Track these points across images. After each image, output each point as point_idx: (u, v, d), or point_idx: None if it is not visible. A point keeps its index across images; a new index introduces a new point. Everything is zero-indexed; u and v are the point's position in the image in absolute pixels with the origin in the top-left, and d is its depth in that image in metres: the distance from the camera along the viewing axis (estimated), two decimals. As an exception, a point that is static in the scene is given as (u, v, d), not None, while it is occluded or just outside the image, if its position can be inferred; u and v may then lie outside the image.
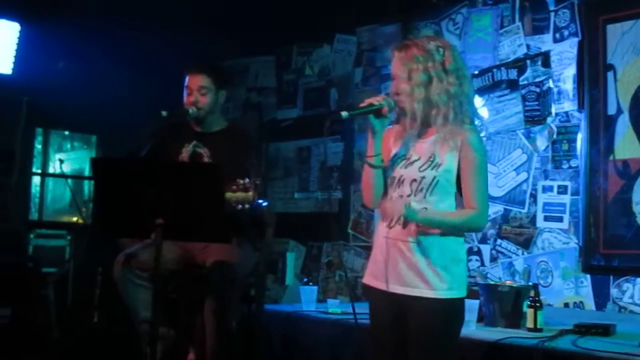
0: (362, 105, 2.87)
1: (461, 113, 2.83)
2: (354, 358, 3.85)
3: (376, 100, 2.87)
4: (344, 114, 2.84)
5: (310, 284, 4.57)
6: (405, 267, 2.84)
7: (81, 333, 4.96)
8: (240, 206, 3.38)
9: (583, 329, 3.52)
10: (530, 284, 3.96)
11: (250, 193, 3.37)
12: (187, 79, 4.13)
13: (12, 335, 5.59)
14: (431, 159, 2.84)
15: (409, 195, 2.84)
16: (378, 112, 2.86)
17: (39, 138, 7.08)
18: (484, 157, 2.86)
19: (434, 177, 2.81)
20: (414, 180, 2.84)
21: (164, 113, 3.88)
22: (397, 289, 2.86)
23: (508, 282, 4.08)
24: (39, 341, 5.44)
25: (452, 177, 2.83)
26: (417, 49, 2.84)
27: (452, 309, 2.84)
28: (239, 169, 3.53)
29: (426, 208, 2.79)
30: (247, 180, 3.37)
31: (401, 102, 2.86)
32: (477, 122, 3.00)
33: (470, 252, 5.25)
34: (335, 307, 4.35)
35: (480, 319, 3.84)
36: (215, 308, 3.85)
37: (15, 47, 5.95)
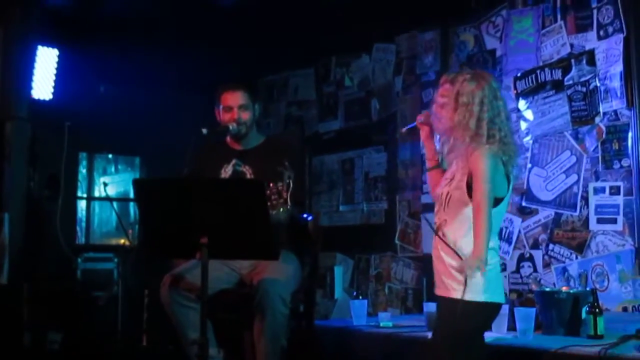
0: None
1: (478, 135, 3.13)
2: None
3: (420, 115, 3.48)
4: (403, 130, 3.77)
5: (360, 297, 4.47)
6: None
7: (131, 356, 4.94)
8: (274, 212, 3.32)
9: (646, 334, 3.39)
10: (588, 289, 3.84)
11: (285, 197, 3.30)
12: (223, 96, 4.11)
13: (65, 359, 5.62)
14: (451, 178, 3.23)
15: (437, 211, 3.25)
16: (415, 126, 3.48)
17: (84, 162, 7.13)
18: (483, 165, 3.07)
19: (448, 193, 3.18)
20: (439, 197, 3.27)
21: (204, 131, 3.87)
22: None
23: (564, 289, 3.95)
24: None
25: (461, 188, 3.13)
26: (448, 82, 3.25)
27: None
28: (273, 175, 3.48)
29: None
30: (279, 184, 3.30)
31: (433, 122, 3.35)
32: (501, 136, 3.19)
33: (522, 258, 5.13)
34: (387, 321, 4.26)
35: (537, 327, 3.72)
36: (266, 327, 3.80)
37: (54, 72, 5.98)
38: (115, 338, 5.45)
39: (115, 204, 6.63)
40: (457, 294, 3.05)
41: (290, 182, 3.43)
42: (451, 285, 3.09)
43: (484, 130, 3.12)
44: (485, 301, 3.05)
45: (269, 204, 3.30)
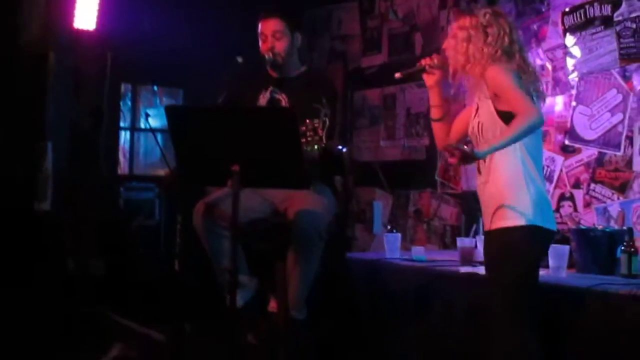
0: (415, 67, 3.38)
1: (491, 59, 3.15)
2: (439, 306, 3.77)
3: (429, 59, 3.35)
4: (397, 75, 3.37)
5: (394, 231, 4.46)
6: None
7: (164, 282, 5.03)
8: (309, 148, 3.30)
9: (681, 275, 3.34)
10: (625, 228, 3.77)
11: (320, 134, 3.28)
12: (260, 24, 4.06)
13: (108, 285, 5.74)
14: (477, 108, 3.23)
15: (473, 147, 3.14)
16: (425, 71, 3.36)
17: (129, 94, 7.17)
18: (503, 76, 3.08)
19: (479, 123, 3.16)
20: (472, 132, 3.26)
21: (239, 59, 3.84)
22: None
23: (600, 227, 3.89)
24: (129, 291, 5.57)
25: (492, 116, 3.11)
26: (468, 14, 3.29)
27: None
28: (310, 111, 3.46)
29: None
30: (315, 120, 3.28)
31: (447, 57, 3.29)
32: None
33: (562, 197, 5.06)
34: (420, 255, 4.25)
35: (571, 265, 3.68)
36: (301, 258, 3.82)
37: (97, 1, 5.95)
38: (153, 264, 5.55)
39: (158, 135, 6.68)
40: (507, 222, 3.05)
41: (327, 119, 3.42)
42: (502, 215, 3.07)
43: (505, 55, 3.17)
44: (533, 225, 3.04)
45: (303, 140, 3.29)
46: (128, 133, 7.15)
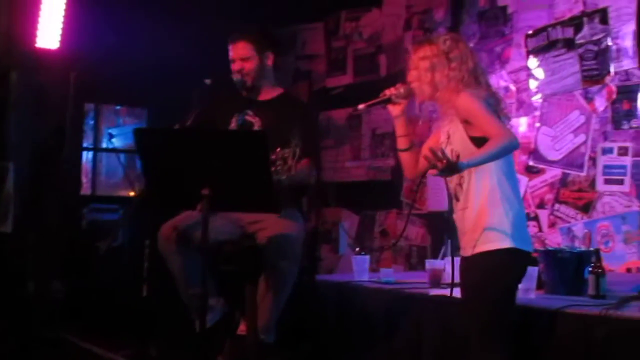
0: (379, 97, 3.29)
1: (460, 84, 3.11)
2: (409, 327, 3.76)
3: (394, 89, 3.25)
4: (360, 107, 3.29)
5: (363, 253, 4.46)
6: None
7: (131, 306, 4.96)
8: (277, 177, 3.29)
9: (648, 295, 3.37)
10: (592, 249, 3.81)
11: (290, 164, 3.28)
12: (229, 48, 4.04)
13: (69, 308, 5.65)
14: (447, 136, 3.17)
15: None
16: (390, 102, 3.27)
17: (91, 113, 7.09)
18: (475, 102, 3.05)
19: (452, 150, 3.06)
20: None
21: (207, 81, 3.82)
22: None
23: (568, 248, 3.92)
24: (93, 314, 5.48)
25: (465, 143, 3.07)
26: (427, 43, 3.21)
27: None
28: (282, 139, 3.45)
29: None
30: (286, 150, 3.28)
31: (414, 89, 3.21)
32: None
33: (527, 217, 5.08)
34: (389, 277, 4.24)
35: (539, 286, 3.69)
36: (274, 282, 3.80)
37: (61, 20, 5.88)
38: (117, 288, 5.47)
39: (122, 155, 6.62)
40: (489, 246, 3.03)
41: (297, 150, 3.40)
42: (484, 239, 3.05)
43: (472, 79, 3.14)
44: (513, 247, 3.02)
45: (272, 168, 3.27)
46: (91, 153, 7.06)
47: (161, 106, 6.50)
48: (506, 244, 3.03)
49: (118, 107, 7.38)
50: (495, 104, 3.15)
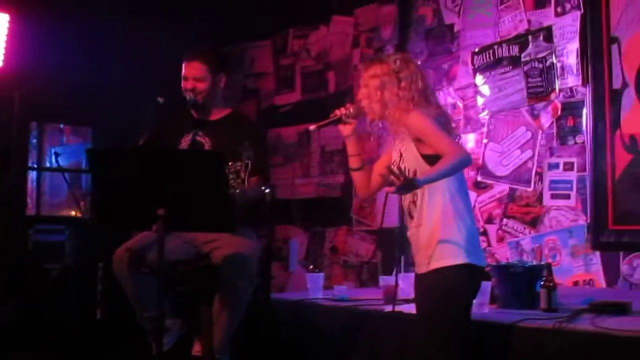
0: (329, 118, 3.32)
1: (410, 104, 3.15)
2: (365, 344, 3.77)
3: (343, 109, 3.29)
4: (311, 128, 3.32)
5: (316, 270, 4.47)
6: None
7: (85, 329, 4.87)
8: (231, 191, 3.29)
9: (599, 308, 3.44)
10: (543, 263, 3.88)
11: (243, 177, 3.28)
12: (183, 66, 4.02)
13: (17, 331, 5.52)
14: (400, 154, 3.21)
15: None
16: (341, 122, 3.31)
17: (34, 132, 6.97)
18: (426, 120, 3.09)
19: (405, 168, 3.07)
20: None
21: (160, 100, 3.79)
22: None
23: (520, 263, 3.99)
24: (44, 337, 5.37)
25: (418, 161, 3.11)
26: (377, 62, 3.25)
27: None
28: (232, 154, 3.45)
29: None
30: (238, 163, 3.28)
31: (364, 107, 3.25)
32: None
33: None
34: (343, 294, 4.26)
35: (492, 301, 3.75)
36: (229, 301, 3.78)
37: (4, 39, 5.79)
38: (68, 311, 5.37)
39: (66, 174, 6.51)
40: (443, 262, 3.06)
41: (249, 162, 3.40)
42: (438, 255, 3.08)
43: (422, 98, 3.19)
44: (467, 263, 3.06)
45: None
46: (35, 173, 6.93)
47: (105, 125, 6.44)
48: (460, 259, 3.07)
49: (62, 126, 7.26)
50: (445, 122, 3.20)
